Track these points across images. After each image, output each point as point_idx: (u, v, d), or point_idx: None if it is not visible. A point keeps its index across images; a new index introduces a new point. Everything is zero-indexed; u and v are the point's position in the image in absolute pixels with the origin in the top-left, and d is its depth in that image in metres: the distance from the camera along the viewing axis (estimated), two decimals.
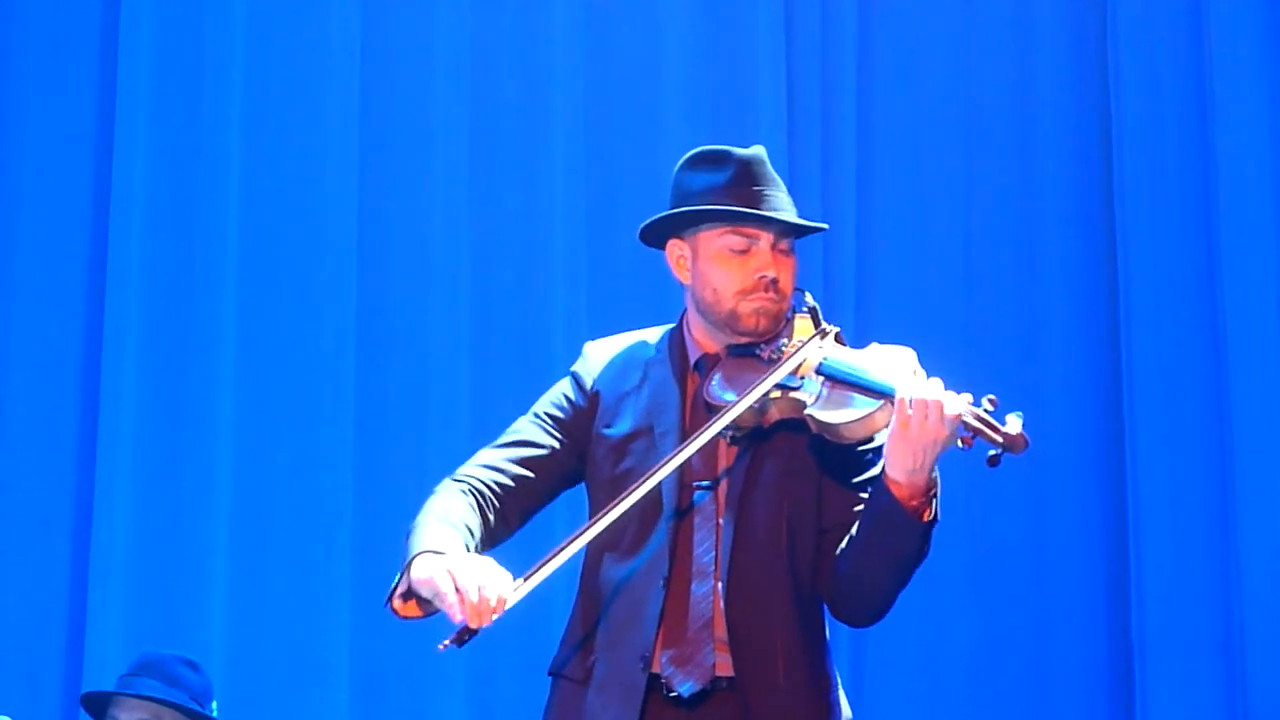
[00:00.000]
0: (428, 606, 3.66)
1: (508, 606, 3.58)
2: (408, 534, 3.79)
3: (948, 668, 6.55)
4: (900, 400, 3.56)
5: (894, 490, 3.62)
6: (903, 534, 3.68)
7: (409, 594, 3.68)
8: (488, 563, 3.65)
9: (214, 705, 5.29)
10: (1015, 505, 6.69)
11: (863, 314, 6.23)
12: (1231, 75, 6.95)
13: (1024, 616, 6.65)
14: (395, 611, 3.72)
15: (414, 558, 3.66)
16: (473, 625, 3.55)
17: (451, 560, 3.63)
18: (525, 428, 3.97)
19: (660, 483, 3.76)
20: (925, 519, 3.65)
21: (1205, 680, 6.60)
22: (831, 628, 3.92)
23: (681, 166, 3.96)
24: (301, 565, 6.41)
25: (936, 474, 3.65)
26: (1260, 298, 6.77)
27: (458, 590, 3.55)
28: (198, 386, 6.56)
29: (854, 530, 3.74)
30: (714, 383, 3.81)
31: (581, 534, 3.70)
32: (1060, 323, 6.87)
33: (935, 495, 3.66)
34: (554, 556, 3.64)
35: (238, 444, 6.49)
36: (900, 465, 3.60)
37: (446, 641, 3.57)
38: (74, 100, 6.75)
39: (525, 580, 3.63)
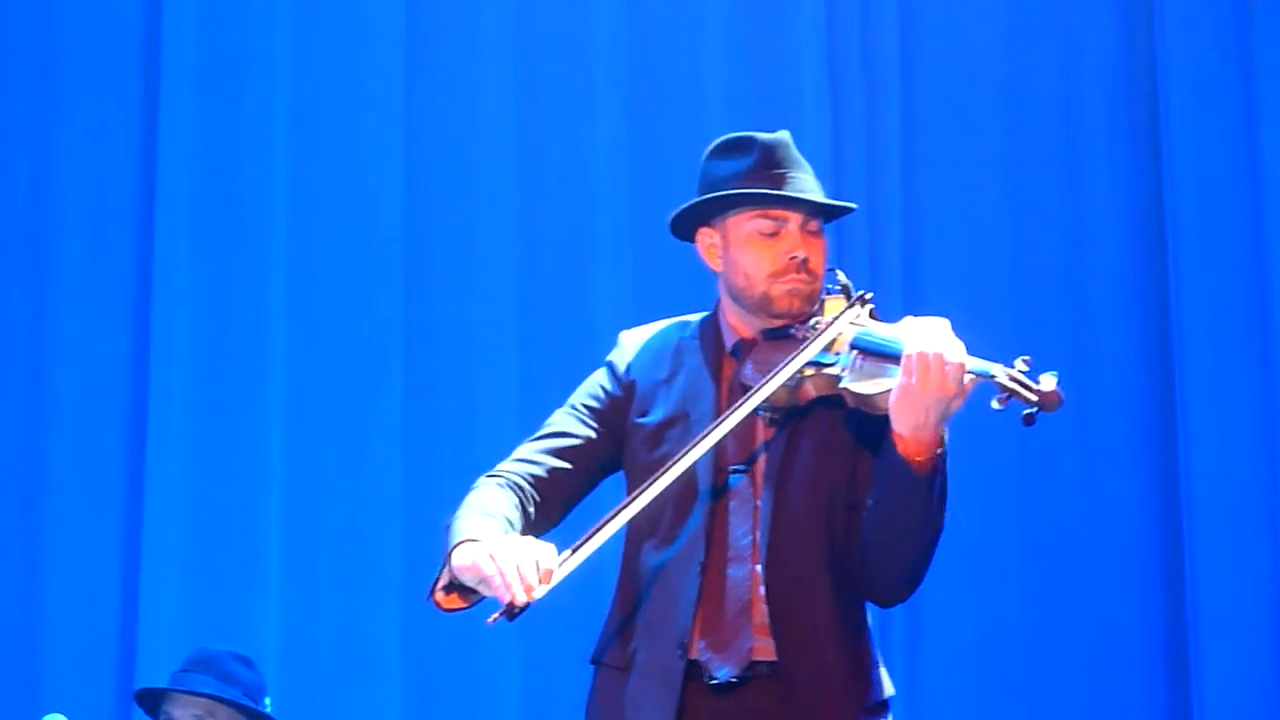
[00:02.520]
0: (471, 596, 3.69)
1: (555, 580, 3.60)
2: (446, 528, 3.81)
3: (1002, 649, 6.55)
4: (905, 355, 3.57)
5: (899, 445, 3.63)
6: (906, 491, 3.69)
7: (451, 586, 3.70)
8: (528, 540, 3.67)
9: (267, 701, 5.31)
10: (1067, 484, 6.68)
11: (910, 297, 6.24)
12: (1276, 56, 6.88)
13: (1078, 597, 6.64)
14: (438, 605, 3.75)
15: (454, 548, 3.67)
16: (519, 601, 3.55)
17: (491, 544, 3.65)
18: (562, 419, 3.99)
19: (695, 467, 3.77)
20: (926, 475, 3.65)
21: (1260, 655, 6.59)
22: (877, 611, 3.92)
23: (707, 155, 3.98)
24: (352, 560, 6.46)
25: (946, 433, 3.66)
26: None
27: (500, 571, 3.56)
28: (247, 382, 6.59)
29: (869, 506, 3.76)
30: (750, 365, 3.82)
31: (625, 507, 3.71)
32: (1109, 303, 6.86)
33: (943, 454, 3.66)
34: (597, 531, 3.66)
35: (288, 439, 6.53)
36: (905, 420, 3.61)
37: (496, 615, 3.59)
38: (118, 98, 6.77)
39: (572, 553, 3.65)
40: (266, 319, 6.62)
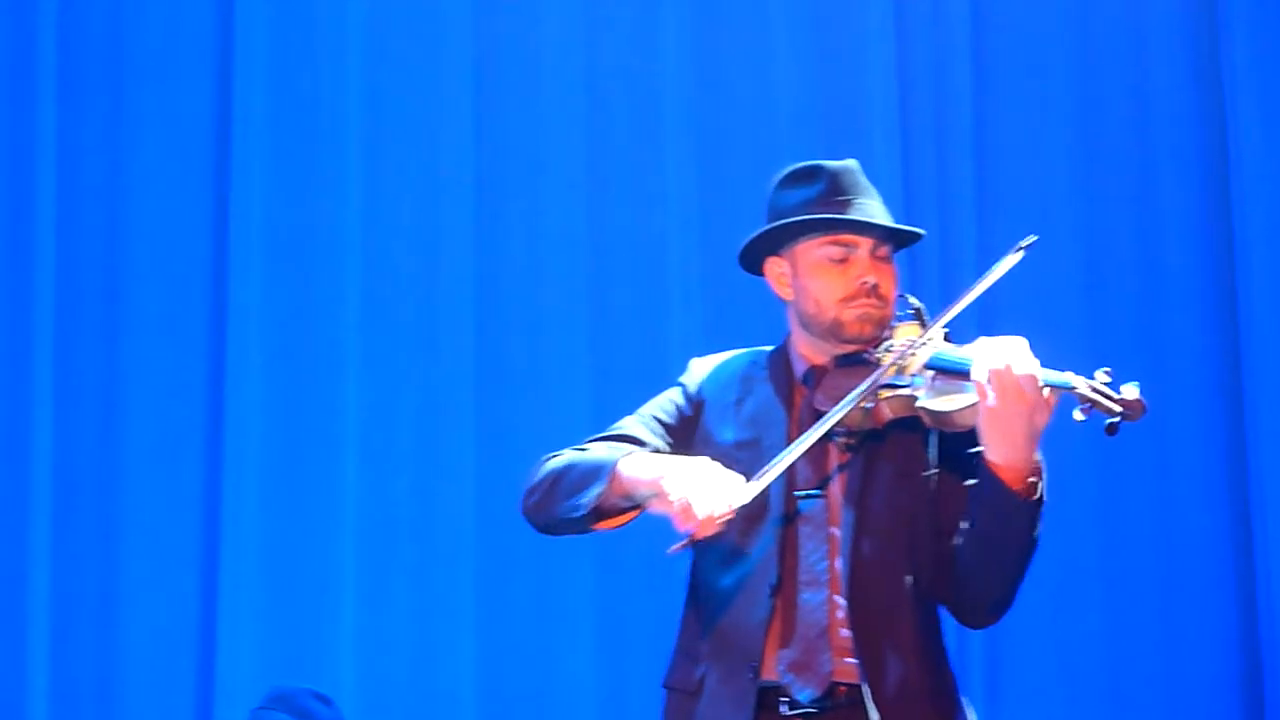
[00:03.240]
0: (630, 510, 3.77)
1: (734, 511, 3.63)
2: (559, 475, 3.87)
3: (1080, 664, 6.53)
4: (977, 382, 3.60)
5: (995, 472, 3.63)
6: (1006, 519, 3.69)
7: (608, 508, 3.77)
8: (709, 464, 3.70)
9: None
10: (1140, 503, 6.67)
11: (985, 319, 6.27)
12: None
13: (1153, 610, 6.61)
14: (591, 529, 3.82)
15: (619, 460, 3.75)
16: (699, 536, 3.61)
17: (681, 465, 3.70)
18: (631, 425, 4.02)
19: (767, 491, 3.76)
20: (1030, 499, 3.65)
21: None
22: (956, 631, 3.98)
23: (775, 185, 4.01)
24: (425, 594, 6.46)
25: (1040, 456, 3.64)
26: None
27: (686, 498, 3.60)
28: (320, 412, 6.60)
29: (961, 529, 3.76)
30: (821, 392, 3.85)
31: (798, 445, 3.72)
32: (1179, 317, 6.83)
33: (1040, 477, 3.65)
34: (774, 467, 3.69)
35: (361, 477, 6.52)
36: (996, 446, 3.62)
37: (677, 546, 3.64)
38: (192, 109, 6.77)
39: (756, 481, 3.67)
40: (340, 352, 6.62)
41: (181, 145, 6.72)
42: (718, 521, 3.59)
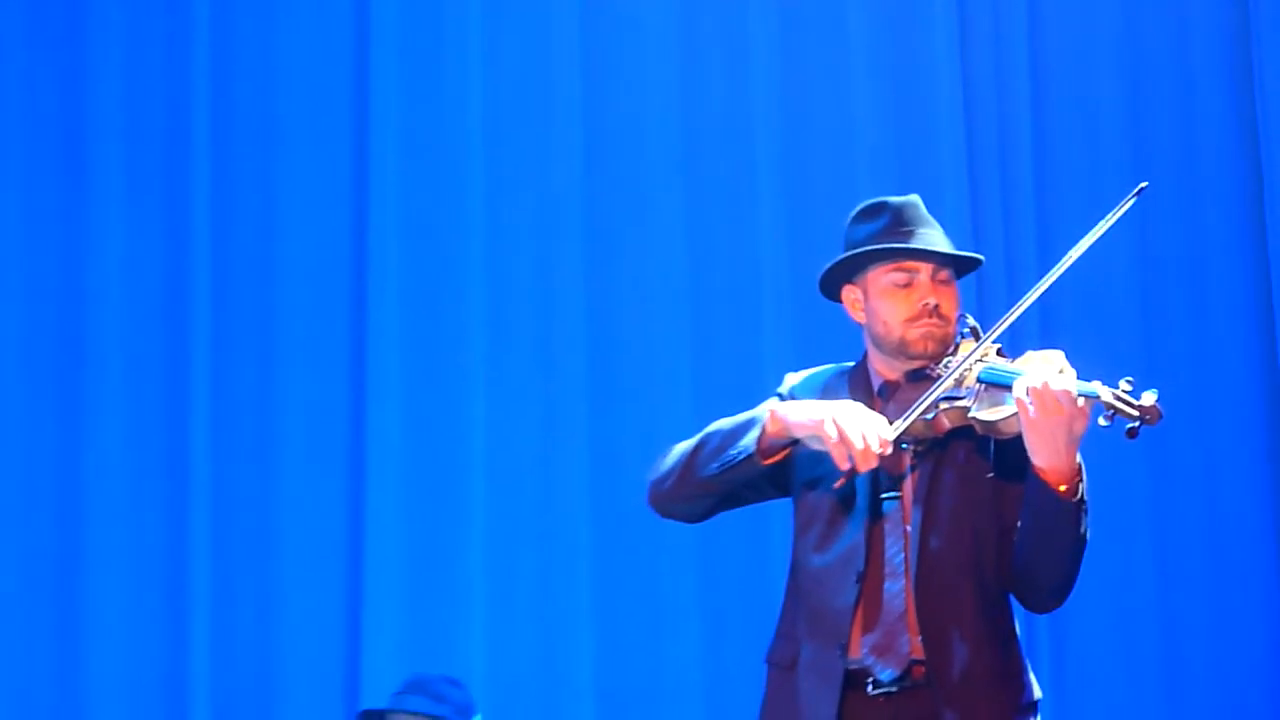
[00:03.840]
0: (785, 449, 3.79)
1: (888, 449, 3.66)
2: (697, 447, 3.89)
3: (1138, 651, 6.45)
4: (1018, 398, 3.60)
5: (1042, 477, 3.62)
6: (1054, 518, 3.68)
7: (766, 447, 3.77)
8: (860, 407, 3.74)
9: (477, 718, 5.38)
10: (1191, 500, 6.58)
11: (1046, 332, 6.10)
12: None
13: (1200, 592, 6.52)
14: (761, 463, 3.80)
15: (770, 409, 3.79)
16: (861, 469, 3.64)
17: (834, 407, 3.73)
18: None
19: (855, 488, 3.80)
20: (1073, 500, 3.63)
21: None
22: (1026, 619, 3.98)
23: (849, 221, 4.03)
24: (547, 586, 6.48)
25: (1080, 460, 3.64)
26: None
27: (846, 436, 3.63)
28: (452, 415, 6.59)
29: (1019, 526, 3.76)
30: (894, 404, 3.84)
31: (934, 393, 3.74)
32: (1223, 328, 6.72)
33: (1081, 479, 3.65)
34: (916, 408, 3.70)
35: (489, 476, 6.52)
36: (1039, 452, 3.61)
37: (840, 481, 3.67)
38: (331, 123, 6.78)
39: (900, 421, 3.70)
40: (468, 371, 6.61)
41: (323, 180, 6.74)
42: (874, 453, 3.63)
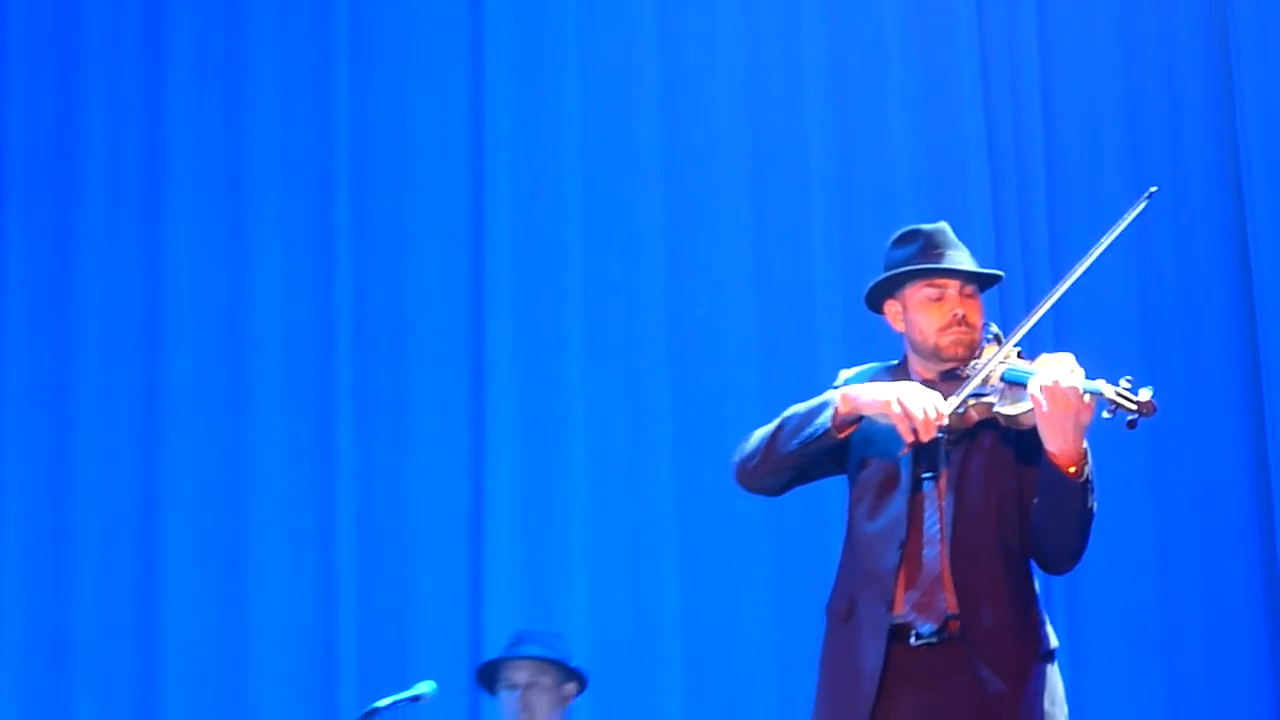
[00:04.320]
0: (853, 425, 3.80)
1: (944, 420, 3.70)
2: (778, 428, 3.89)
3: (1139, 606, 6.33)
4: (1032, 394, 3.64)
5: (1054, 460, 3.67)
6: (1065, 495, 3.72)
7: (839, 423, 3.80)
8: (919, 386, 3.79)
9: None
10: (1185, 480, 6.44)
11: (1059, 334, 5.96)
12: None
13: (1196, 564, 6.38)
14: (837, 437, 3.82)
15: (839, 393, 3.82)
16: (924, 439, 3.69)
17: (897, 387, 3.78)
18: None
19: (899, 468, 3.83)
20: (1080, 480, 3.68)
21: None
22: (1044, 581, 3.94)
23: (888, 246, 4.05)
24: (638, 552, 6.45)
25: (1086, 446, 3.68)
26: None
27: (908, 411, 3.68)
28: (556, 411, 6.56)
29: (1035, 501, 3.79)
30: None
31: (984, 370, 3.77)
32: (1211, 331, 6.57)
33: (1087, 462, 3.69)
34: (969, 382, 3.74)
35: (589, 463, 6.50)
36: (1052, 440, 3.65)
37: (905, 449, 3.71)
38: (453, 168, 6.73)
39: (954, 398, 3.74)
40: (568, 376, 6.58)
41: (446, 210, 6.74)
42: (934, 423, 3.68)
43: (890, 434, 3.80)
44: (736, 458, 4.02)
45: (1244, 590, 6.33)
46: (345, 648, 6.41)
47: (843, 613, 3.90)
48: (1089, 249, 6.47)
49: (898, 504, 3.85)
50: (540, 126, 6.78)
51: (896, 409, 3.71)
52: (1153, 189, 3.92)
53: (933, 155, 6.65)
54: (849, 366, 4.12)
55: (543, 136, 6.76)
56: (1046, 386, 3.61)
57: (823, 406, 3.85)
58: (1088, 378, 3.65)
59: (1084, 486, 3.70)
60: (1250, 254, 6.48)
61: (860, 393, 3.81)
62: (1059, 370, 3.65)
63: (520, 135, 6.74)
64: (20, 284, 6.72)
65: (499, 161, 6.71)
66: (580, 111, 6.74)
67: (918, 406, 3.70)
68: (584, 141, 6.75)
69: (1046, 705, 3.81)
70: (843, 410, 3.79)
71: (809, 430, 3.85)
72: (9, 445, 6.58)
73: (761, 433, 3.98)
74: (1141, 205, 3.90)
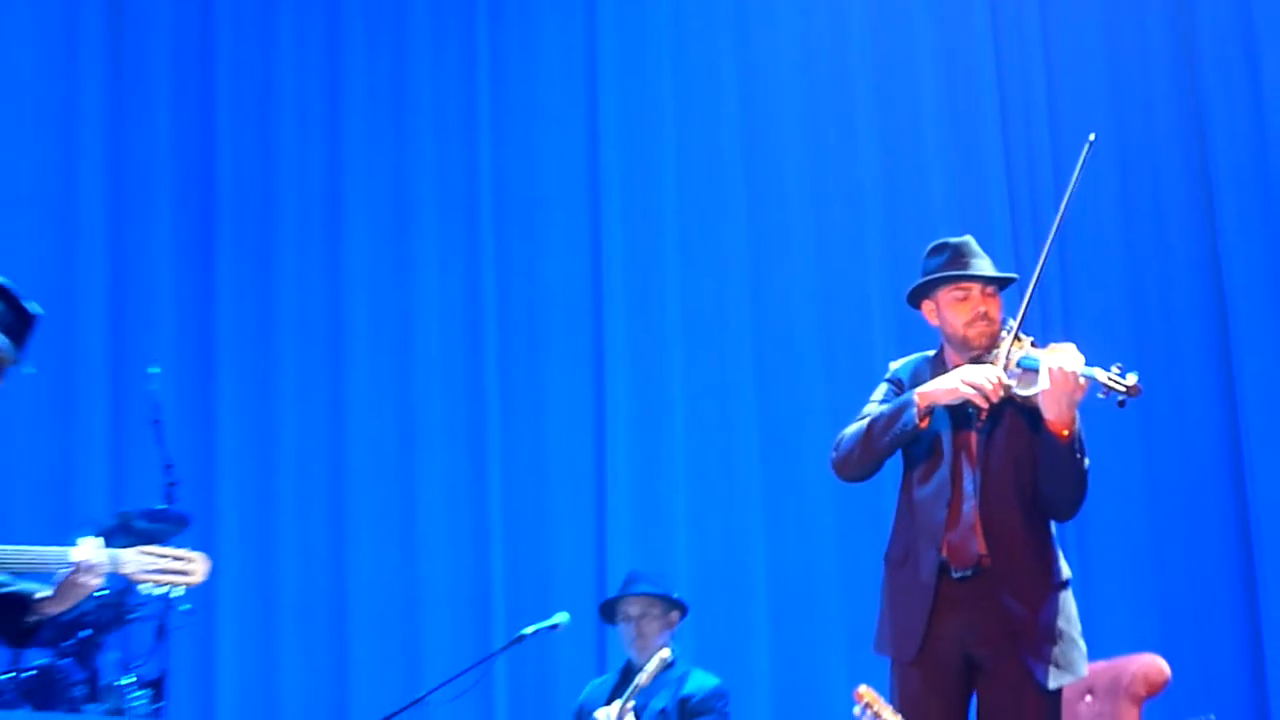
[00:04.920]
0: (929, 414, 3.80)
1: (1005, 382, 3.72)
2: (867, 428, 3.85)
3: (1134, 543, 6.21)
4: (1045, 370, 3.67)
5: (1049, 427, 3.72)
6: (1059, 454, 3.76)
7: (922, 414, 3.78)
8: (972, 366, 3.80)
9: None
10: (1166, 447, 6.28)
11: (1067, 327, 5.87)
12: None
13: (1179, 510, 6.24)
14: (919, 426, 3.79)
15: (913, 394, 3.80)
16: (994, 399, 3.72)
17: (958, 371, 3.80)
18: (875, 408, 4.01)
19: (941, 440, 3.87)
20: (1069, 441, 3.70)
21: None
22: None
23: (924, 256, 4.07)
24: (730, 509, 6.40)
25: (1077, 416, 3.71)
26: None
27: (975, 385, 3.72)
28: (660, 398, 6.53)
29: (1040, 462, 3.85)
30: None
31: (1012, 351, 3.75)
32: (1179, 321, 6.36)
33: (1076, 426, 3.72)
34: (999, 357, 3.72)
35: (688, 442, 6.44)
36: (1048, 410, 3.70)
37: (983, 415, 3.75)
38: (573, 210, 6.70)
39: (998, 366, 3.74)
40: (670, 374, 6.55)
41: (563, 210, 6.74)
42: (999, 386, 3.72)
43: (938, 417, 3.86)
44: (834, 456, 4.00)
45: (1220, 528, 6.22)
46: (496, 587, 6.43)
47: (899, 558, 3.94)
48: (1087, 251, 6.24)
49: (943, 471, 3.88)
50: (645, 180, 6.75)
51: (966, 389, 3.75)
52: (1091, 136, 3.92)
53: (962, 182, 6.57)
54: (896, 358, 4.13)
55: (647, 188, 6.76)
56: (1052, 370, 3.66)
57: (904, 406, 3.85)
58: (1086, 364, 3.67)
59: (1071, 446, 3.73)
60: (1221, 262, 6.35)
61: (930, 388, 3.83)
62: (1064, 357, 3.68)
63: (628, 178, 6.76)
64: (231, 298, 6.83)
65: (611, 188, 6.73)
66: (676, 157, 6.76)
67: (980, 378, 3.75)
68: (680, 183, 6.75)
69: (1061, 625, 3.84)
70: (921, 405, 3.82)
71: (898, 427, 3.85)
72: (227, 428, 6.68)
73: (851, 433, 3.96)
74: (1085, 151, 3.86)
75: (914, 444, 3.93)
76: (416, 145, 6.89)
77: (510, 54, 6.90)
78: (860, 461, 3.94)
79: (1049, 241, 3.90)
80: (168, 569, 3.45)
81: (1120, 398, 3.63)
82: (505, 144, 6.85)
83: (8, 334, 3.47)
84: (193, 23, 7.01)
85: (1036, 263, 3.84)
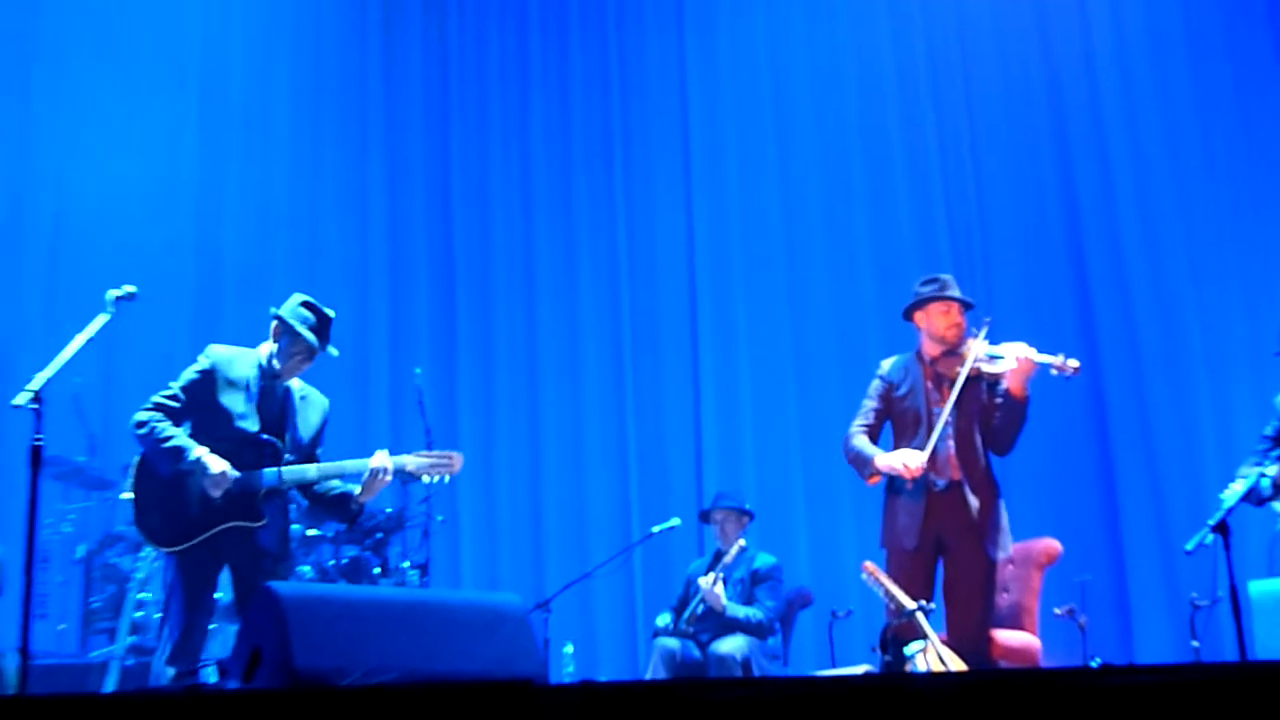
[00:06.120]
0: (877, 474, 3.80)
1: (922, 468, 3.66)
2: (855, 453, 3.82)
3: (1054, 483, 5.93)
4: (1013, 356, 3.68)
5: (1011, 393, 3.78)
6: (1014, 410, 3.81)
7: (869, 475, 3.79)
8: (904, 451, 3.76)
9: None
10: (1089, 401, 5.94)
11: (1030, 327, 4.70)
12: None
13: (1091, 441, 5.97)
14: (872, 481, 3.80)
15: (874, 459, 3.78)
16: (914, 477, 3.67)
17: (889, 455, 3.77)
18: (871, 404, 4.00)
19: (920, 406, 3.88)
20: (1022, 401, 3.75)
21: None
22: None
23: (916, 285, 4.02)
24: (770, 456, 6.17)
25: (1028, 385, 3.73)
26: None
27: (906, 464, 3.66)
28: (731, 376, 6.17)
29: (995, 414, 3.85)
30: (939, 367, 3.91)
31: (977, 347, 3.66)
32: (1108, 327, 6.01)
33: (1027, 392, 3.75)
34: (967, 360, 3.64)
35: (756, 432, 6.20)
36: (1011, 383, 3.76)
37: (909, 484, 3.68)
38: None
39: (925, 449, 3.66)
40: (735, 370, 6.23)
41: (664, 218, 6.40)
42: (919, 469, 3.70)
43: (916, 394, 3.81)
44: (845, 455, 3.96)
45: (1091, 458, 5.98)
46: (634, 500, 6.26)
47: (896, 488, 3.94)
48: (1022, 275, 5.89)
49: (924, 426, 3.86)
50: (724, 217, 6.45)
51: (898, 466, 3.72)
52: (988, 319, 3.79)
53: (929, 239, 6.23)
54: (887, 356, 4.09)
55: (730, 223, 6.44)
56: (1019, 355, 3.73)
57: (868, 462, 3.80)
58: (1040, 352, 3.73)
59: (1023, 405, 3.79)
60: (1090, 283, 6.02)
61: (881, 462, 3.77)
62: (1026, 349, 3.76)
63: (718, 214, 6.43)
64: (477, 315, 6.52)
65: (703, 205, 6.44)
66: (780, 176, 6.42)
67: (899, 464, 3.71)
68: (743, 202, 6.41)
69: (999, 517, 3.85)
70: (873, 480, 3.84)
71: (864, 473, 3.85)
72: (464, 407, 6.35)
73: (851, 452, 3.91)
74: (981, 341, 3.74)
75: (899, 415, 3.90)
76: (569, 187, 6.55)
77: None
78: (855, 468, 3.97)
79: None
80: (436, 464, 3.40)
81: (1066, 376, 3.63)
82: (636, 189, 6.49)
83: (315, 333, 3.43)
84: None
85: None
